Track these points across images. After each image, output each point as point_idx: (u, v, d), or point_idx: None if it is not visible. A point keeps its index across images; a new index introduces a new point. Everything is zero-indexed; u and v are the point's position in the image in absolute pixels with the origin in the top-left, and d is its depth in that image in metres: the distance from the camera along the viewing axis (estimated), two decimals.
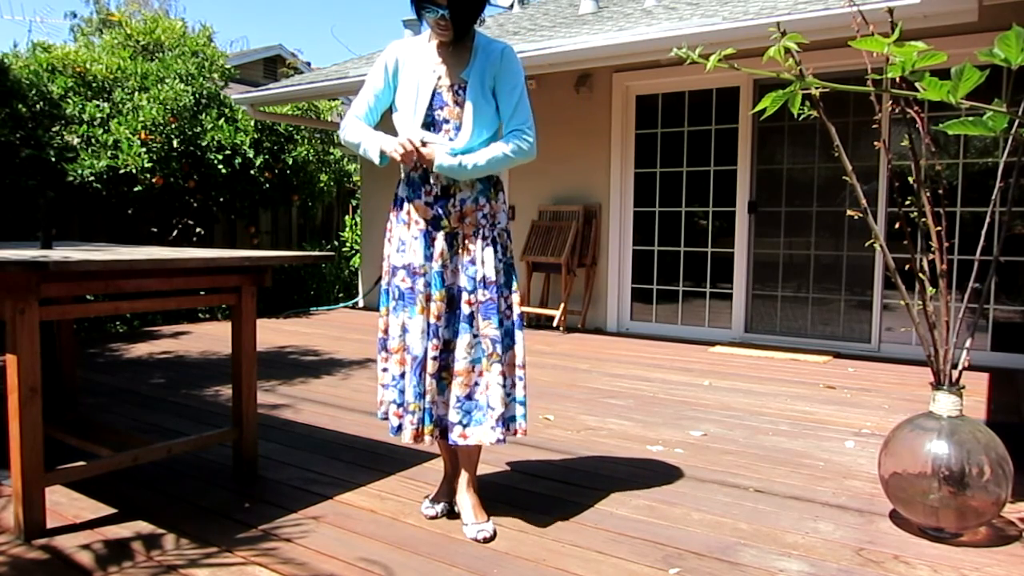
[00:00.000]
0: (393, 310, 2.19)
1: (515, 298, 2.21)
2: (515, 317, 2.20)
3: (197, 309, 7.21)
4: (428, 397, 2.11)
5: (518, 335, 2.20)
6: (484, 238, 2.14)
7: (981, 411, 3.62)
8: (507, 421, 2.16)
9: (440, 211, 2.15)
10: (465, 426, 2.12)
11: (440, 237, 2.14)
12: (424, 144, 2.10)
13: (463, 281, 2.14)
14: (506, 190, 2.26)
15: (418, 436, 2.13)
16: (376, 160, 2.15)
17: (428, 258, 2.14)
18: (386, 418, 2.24)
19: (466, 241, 2.15)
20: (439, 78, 2.16)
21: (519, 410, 2.19)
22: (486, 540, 2.10)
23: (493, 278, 2.12)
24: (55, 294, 2.06)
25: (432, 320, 2.11)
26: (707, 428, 3.32)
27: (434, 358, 2.11)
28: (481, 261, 2.13)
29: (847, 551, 2.05)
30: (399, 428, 2.18)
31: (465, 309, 2.13)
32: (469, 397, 2.12)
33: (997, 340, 4.97)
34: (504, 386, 2.12)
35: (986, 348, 4.96)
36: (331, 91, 7.19)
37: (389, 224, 2.27)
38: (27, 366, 2.00)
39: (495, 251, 2.15)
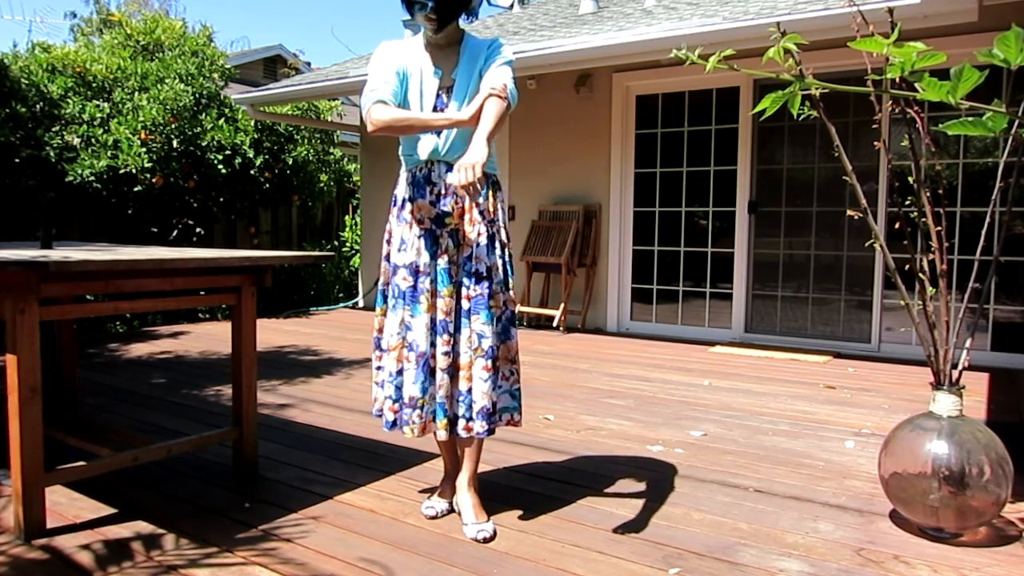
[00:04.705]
0: (392, 308, 2.20)
1: (510, 295, 2.24)
2: (509, 312, 2.23)
3: (197, 309, 7.21)
4: (442, 392, 2.13)
5: (512, 330, 2.24)
6: (481, 234, 2.16)
7: (981, 411, 3.62)
8: (498, 413, 2.19)
9: (444, 209, 2.16)
10: (468, 419, 2.14)
11: (445, 234, 2.16)
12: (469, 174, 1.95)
13: (463, 277, 2.16)
14: (505, 190, 2.26)
15: (425, 430, 2.15)
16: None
17: (433, 256, 2.16)
18: (380, 415, 2.25)
19: (465, 238, 2.17)
20: (440, 79, 2.19)
21: (511, 401, 2.23)
22: (486, 540, 2.10)
23: (486, 274, 2.14)
24: (55, 294, 2.06)
25: (442, 316, 2.13)
26: (707, 428, 3.32)
27: (445, 353, 2.13)
28: (476, 257, 2.15)
29: (847, 551, 2.05)
30: (393, 423, 2.19)
31: (464, 304, 2.15)
32: (470, 391, 2.14)
33: (997, 340, 4.97)
34: (489, 380, 2.14)
35: (986, 348, 4.96)
36: (331, 91, 7.19)
37: (388, 225, 2.28)
38: (27, 366, 2.00)
39: (491, 248, 2.17)
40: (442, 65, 2.20)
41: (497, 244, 2.19)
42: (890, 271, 2.35)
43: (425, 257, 2.15)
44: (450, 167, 2.16)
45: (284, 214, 8.70)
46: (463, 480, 2.26)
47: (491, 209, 2.20)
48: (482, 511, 2.20)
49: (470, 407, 2.14)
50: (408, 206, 2.20)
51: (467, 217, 2.17)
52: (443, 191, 2.16)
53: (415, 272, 2.16)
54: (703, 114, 6.08)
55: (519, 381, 2.27)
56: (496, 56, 2.19)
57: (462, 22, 2.21)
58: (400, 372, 2.17)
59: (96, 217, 6.70)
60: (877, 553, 2.04)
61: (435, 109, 2.18)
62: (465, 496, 2.23)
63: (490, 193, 2.20)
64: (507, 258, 2.23)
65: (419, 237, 2.17)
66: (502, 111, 2.07)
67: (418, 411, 2.13)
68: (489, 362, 2.13)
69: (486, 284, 2.14)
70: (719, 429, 3.30)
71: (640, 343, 5.85)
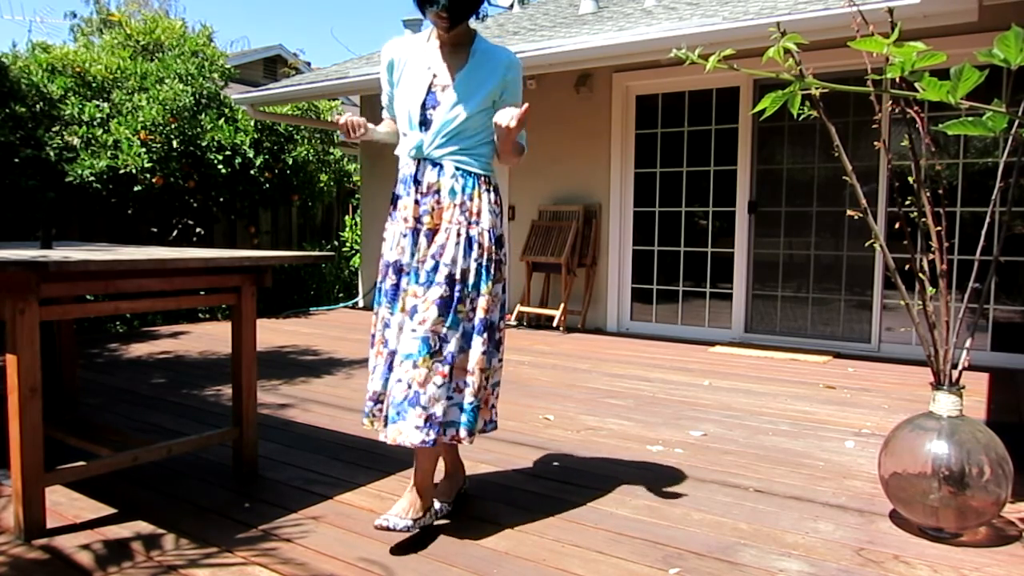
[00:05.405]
0: (379, 304, 2.21)
1: (482, 302, 2.11)
2: (477, 322, 2.11)
3: (197, 309, 7.21)
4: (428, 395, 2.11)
5: (476, 340, 2.10)
6: (458, 235, 2.10)
7: (981, 411, 3.62)
8: (444, 425, 2.05)
9: (425, 207, 2.14)
10: (392, 422, 2.04)
11: (425, 234, 2.14)
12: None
13: (421, 275, 2.10)
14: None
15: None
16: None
17: (414, 256, 2.14)
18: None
19: (435, 235, 2.12)
20: (435, 76, 2.17)
21: (462, 416, 2.09)
22: (382, 528, 2.01)
23: (459, 277, 2.07)
24: (55, 294, 2.06)
25: None
26: (707, 428, 3.32)
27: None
28: (451, 257, 2.08)
29: (847, 551, 2.05)
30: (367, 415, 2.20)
31: (410, 302, 2.09)
32: (399, 393, 2.04)
33: (997, 340, 4.97)
34: (443, 387, 2.04)
35: (986, 348, 4.96)
36: (331, 91, 7.19)
37: (387, 223, 2.28)
38: (27, 366, 2.00)
39: (468, 250, 2.10)
40: (446, 64, 2.17)
41: (474, 247, 2.11)
42: (890, 271, 2.35)
43: (407, 256, 2.14)
44: (433, 163, 2.14)
45: (284, 214, 8.70)
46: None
47: (474, 210, 2.13)
48: (408, 507, 2.09)
49: (398, 412, 2.03)
50: (399, 203, 2.20)
51: (445, 215, 2.11)
52: (425, 190, 2.14)
53: (398, 271, 2.15)
54: (703, 114, 6.08)
55: (476, 396, 2.10)
56: (517, 88, 2.23)
57: (472, 22, 2.18)
58: (376, 369, 2.18)
59: (96, 217, 6.70)
60: (877, 553, 2.04)
61: (425, 106, 2.16)
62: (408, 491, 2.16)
63: (475, 193, 2.14)
64: (484, 263, 2.12)
65: (403, 235, 2.15)
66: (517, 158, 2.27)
67: (379, 405, 2.13)
68: (446, 368, 2.05)
69: (458, 287, 2.07)
70: (719, 429, 3.30)
71: (640, 343, 5.85)
